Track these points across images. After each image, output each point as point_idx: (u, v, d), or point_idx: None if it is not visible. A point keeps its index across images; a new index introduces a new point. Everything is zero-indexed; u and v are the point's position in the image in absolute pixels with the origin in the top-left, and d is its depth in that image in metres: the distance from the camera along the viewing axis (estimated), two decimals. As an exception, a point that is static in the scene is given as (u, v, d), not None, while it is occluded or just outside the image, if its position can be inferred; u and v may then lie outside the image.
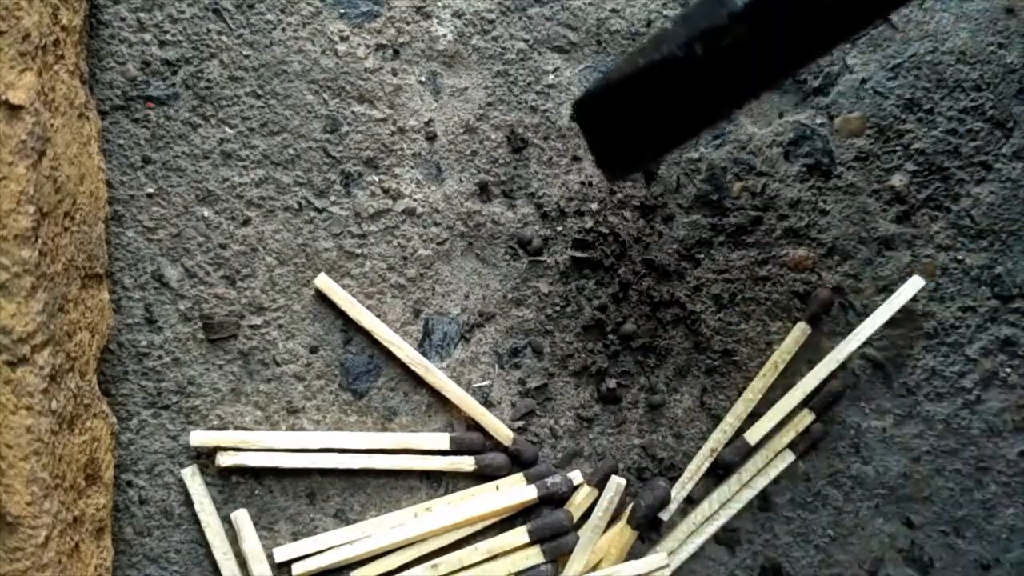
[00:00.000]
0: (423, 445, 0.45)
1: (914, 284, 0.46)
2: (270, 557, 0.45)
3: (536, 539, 0.45)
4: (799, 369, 0.47)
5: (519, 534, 0.45)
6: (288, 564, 0.45)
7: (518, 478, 0.46)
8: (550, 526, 0.44)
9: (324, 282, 0.45)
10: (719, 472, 0.47)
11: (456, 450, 0.46)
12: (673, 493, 0.46)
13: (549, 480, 0.45)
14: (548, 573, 0.45)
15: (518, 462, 0.46)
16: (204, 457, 0.46)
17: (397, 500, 0.46)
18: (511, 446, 0.46)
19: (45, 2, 0.38)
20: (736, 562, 0.47)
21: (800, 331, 0.46)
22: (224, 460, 0.44)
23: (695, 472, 0.46)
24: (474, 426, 0.46)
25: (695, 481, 0.46)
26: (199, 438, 0.45)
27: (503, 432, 0.46)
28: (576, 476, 0.46)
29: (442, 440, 0.45)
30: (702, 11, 0.31)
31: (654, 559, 0.45)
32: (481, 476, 0.46)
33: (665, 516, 0.46)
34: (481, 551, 0.45)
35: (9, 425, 0.37)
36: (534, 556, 0.45)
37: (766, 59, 0.31)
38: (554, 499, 0.45)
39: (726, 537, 0.47)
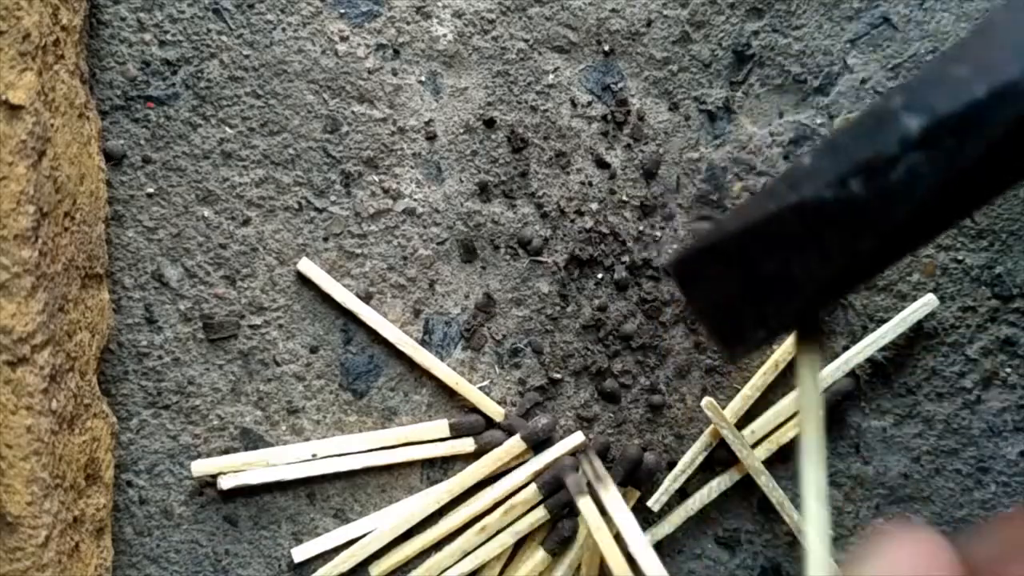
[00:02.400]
0: (423, 435, 0.45)
1: (927, 304, 0.46)
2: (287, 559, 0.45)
3: (543, 488, 0.45)
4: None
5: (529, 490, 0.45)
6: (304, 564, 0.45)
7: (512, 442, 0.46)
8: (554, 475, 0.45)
9: (306, 266, 0.45)
10: (715, 468, 0.47)
11: (456, 435, 0.46)
12: (665, 485, 0.46)
13: (531, 423, 0.45)
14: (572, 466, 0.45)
15: (511, 435, 0.46)
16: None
17: (398, 499, 0.46)
18: (503, 421, 0.46)
19: (45, 2, 0.38)
20: (736, 562, 0.47)
21: None
22: (225, 483, 0.44)
23: (688, 465, 0.46)
24: (472, 409, 0.46)
25: (687, 475, 0.46)
26: (201, 468, 0.44)
27: (494, 409, 0.46)
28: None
29: (441, 428, 0.45)
30: (858, 137, 0.24)
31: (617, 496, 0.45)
32: (483, 455, 0.46)
33: (656, 506, 0.46)
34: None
35: (9, 425, 0.37)
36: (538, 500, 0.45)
37: (942, 200, 0.23)
38: (540, 441, 0.45)
39: (726, 537, 0.47)
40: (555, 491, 0.45)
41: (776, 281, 0.26)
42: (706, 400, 0.45)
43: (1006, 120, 0.22)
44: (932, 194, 0.23)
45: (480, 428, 0.46)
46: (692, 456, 0.46)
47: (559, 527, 0.45)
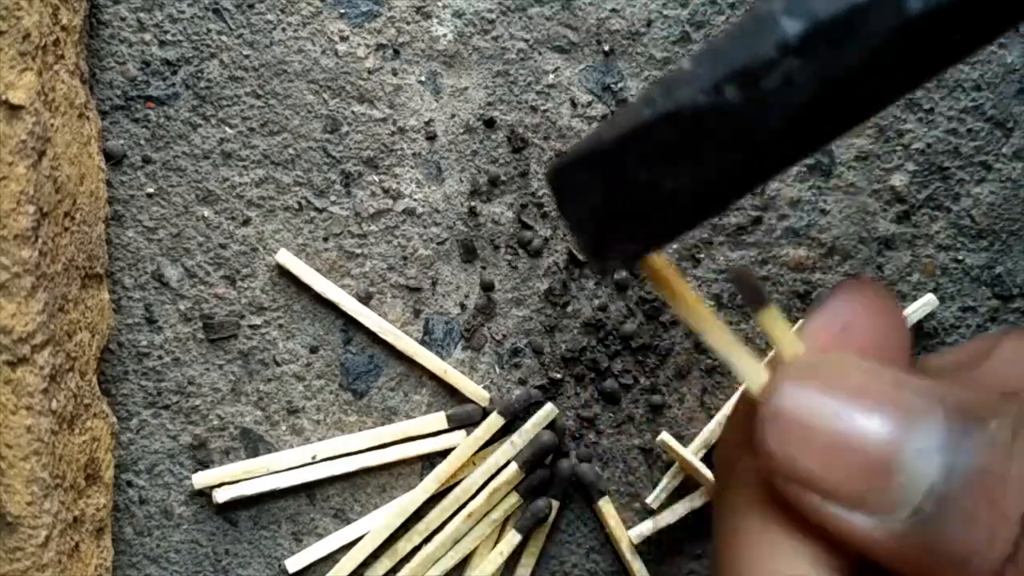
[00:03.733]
0: (421, 430, 0.45)
1: (928, 304, 0.46)
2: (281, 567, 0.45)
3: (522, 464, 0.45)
4: (799, 369, 0.47)
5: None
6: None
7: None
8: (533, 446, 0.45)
9: (285, 257, 0.45)
10: (712, 465, 0.47)
11: (454, 427, 0.46)
12: (664, 482, 0.46)
13: (506, 397, 0.45)
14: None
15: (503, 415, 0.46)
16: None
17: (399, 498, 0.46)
18: (488, 406, 0.46)
19: (45, 2, 0.38)
20: (736, 562, 0.47)
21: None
22: (221, 495, 0.44)
23: (692, 459, 0.46)
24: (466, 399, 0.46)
25: (684, 473, 0.46)
26: (202, 479, 0.44)
27: (479, 394, 0.46)
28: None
29: (439, 420, 0.45)
30: (735, 43, 0.22)
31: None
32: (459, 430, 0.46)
33: (655, 503, 0.46)
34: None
35: (9, 425, 0.37)
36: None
37: (824, 106, 0.22)
38: (515, 414, 0.45)
39: (726, 537, 0.47)
40: (535, 468, 0.45)
41: (650, 193, 0.24)
42: (659, 439, 0.45)
43: (889, 27, 0.21)
44: (809, 103, 0.22)
45: (478, 417, 0.46)
46: (691, 454, 0.46)
47: (532, 507, 0.45)
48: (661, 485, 0.46)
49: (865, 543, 0.24)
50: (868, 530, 0.24)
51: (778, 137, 0.23)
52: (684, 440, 0.47)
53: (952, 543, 0.23)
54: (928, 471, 0.23)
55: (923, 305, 0.46)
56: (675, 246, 0.47)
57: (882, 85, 0.23)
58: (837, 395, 0.24)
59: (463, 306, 0.47)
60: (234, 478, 0.45)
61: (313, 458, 0.45)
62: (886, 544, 0.23)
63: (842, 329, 0.27)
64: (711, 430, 0.46)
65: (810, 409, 0.24)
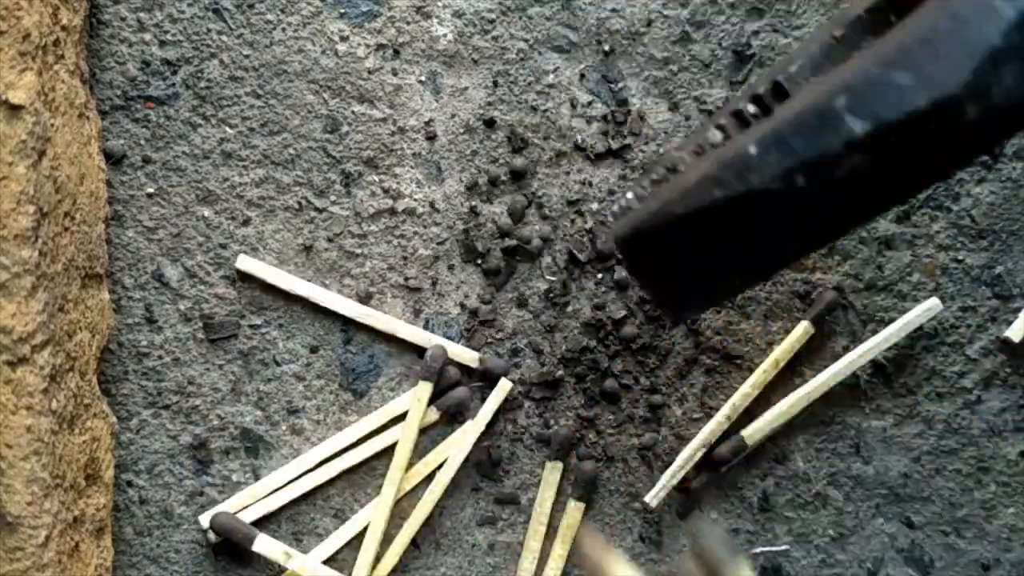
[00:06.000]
0: (402, 407, 0.46)
1: (931, 308, 0.46)
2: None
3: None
4: (800, 370, 0.47)
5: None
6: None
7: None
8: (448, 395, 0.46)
9: (245, 262, 0.45)
10: (714, 468, 0.47)
11: (447, 417, 0.46)
12: (663, 481, 0.46)
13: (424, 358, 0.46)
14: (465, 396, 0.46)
15: (489, 379, 0.46)
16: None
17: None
18: (479, 367, 0.46)
19: (45, 2, 0.38)
20: (736, 562, 0.47)
21: (803, 330, 0.46)
22: (206, 521, 0.45)
23: (686, 461, 0.46)
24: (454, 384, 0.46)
25: (685, 471, 0.46)
26: (212, 521, 0.44)
27: (468, 356, 0.46)
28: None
29: (415, 393, 0.46)
30: (803, 132, 0.25)
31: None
32: (450, 418, 0.46)
33: (654, 502, 0.46)
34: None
35: (9, 425, 0.37)
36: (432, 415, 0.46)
37: (881, 192, 0.26)
38: (435, 372, 0.45)
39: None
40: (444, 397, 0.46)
41: (723, 258, 0.28)
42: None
43: (943, 130, 0.24)
44: (871, 190, 0.26)
45: (467, 400, 0.46)
46: (690, 452, 0.46)
47: (579, 472, 0.46)
48: (660, 483, 0.46)
49: None
50: None
51: (841, 218, 0.26)
52: (683, 440, 0.47)
53: None
54: None
55: (927, 309, 0.46)
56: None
57: (932, 174, 0.26)
58: None
59: (463, 306, 0.47)
60: (244, 504, 0.45)
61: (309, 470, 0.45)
62: None
63: None
64: (711, 430, 0.46)
65: None
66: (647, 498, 0.46)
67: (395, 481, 0.45)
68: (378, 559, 0.45)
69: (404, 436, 0.45)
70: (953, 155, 0.26)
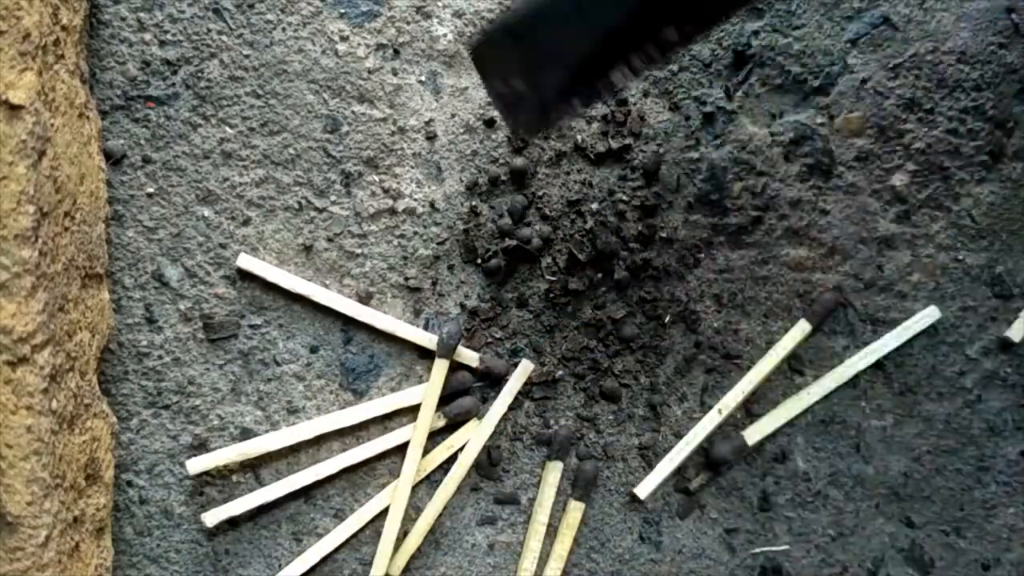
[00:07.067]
0: (401, 404, 0.46)
1: (930, 315, 0.46)
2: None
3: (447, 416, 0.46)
4: (800, 370, 0.47)
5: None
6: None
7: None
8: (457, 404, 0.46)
9: (246, 261, 0.45)
10: (714, 467, 0.47)
11: (451, 423, 0.46)
12: (655, 474, 0.46)
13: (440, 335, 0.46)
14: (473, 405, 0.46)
15: (489, 379, 0.46)
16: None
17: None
18: (480, 367, 0.46)
19: (45, 2, 0.38)
20: (736, 562, 0.47)
21: (800, 330, 0.46)
22: (210, 520, 0.44)
23: (681, 451, 0.46)
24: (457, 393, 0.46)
25: (676, 464, 0.46)
26: (197, 465, 0.44)
27: (468, 356, 0.46)
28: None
29: (417, 394, 0.46)
30: None
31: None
32: (453, 425, 0.46)
33: (643, 495, 0.46)
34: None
35: (9, 425, 0.37)
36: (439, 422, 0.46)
37: None
38: (450, 347, 0.45)
39: (726, 537, 0.47)
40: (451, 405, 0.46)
41: (552, 55, 0.31)
42: None
43: None
44: None
45: (474, 409, 0.46)
46: (683, 446, 0.46)
47: (580, 472, 0.46)
48: (652, 476, 0.46)
49: None
50: None
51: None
52: (683, 440, 0.47)
53: None
54: None
55: (925, 316, 0.46)
56: (675, 245, 0.47)
57: None
58: None
59: (463, 306, 0.47)
60: (229, 460, 0.45)
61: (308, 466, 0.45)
62: None
63: None
64: (703, 427, 0.46)
65: None
66: (637, 490, 0.46)
67: (415, 460, 0.45)
68: (395, 550, 0.45)
69: (422, 416, 0.45)
70: None
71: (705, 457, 0.46)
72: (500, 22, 0.33)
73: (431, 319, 0.47)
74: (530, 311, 0.47)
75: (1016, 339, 0.47)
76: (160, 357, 0.46)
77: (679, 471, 0.47)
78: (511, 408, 0.46)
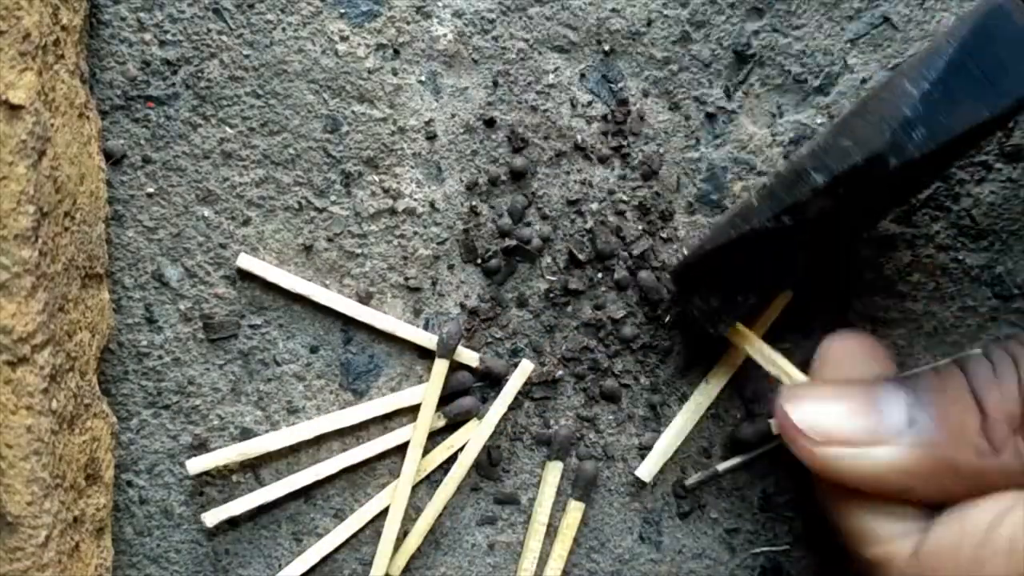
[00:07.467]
0: (401, 403, 0.46)
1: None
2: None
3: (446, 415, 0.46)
4: (800, 369, 0.47)
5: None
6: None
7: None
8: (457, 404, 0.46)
9: (246, 261, 0.45)
10: (740, 450, 0.47)
11: (452, 423, 0.46)
12: (654, 455, 0.46)
13: (440, 335, 0.46)
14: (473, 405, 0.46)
15: (489, 379, 0.46)
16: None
17: (397, 500, 0.46)
18: (480, 367, 0.46)
19: (45, 2, 0.38)
20: (736, 562, 0.47)
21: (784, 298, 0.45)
22: (210, 520, 0.44)
23: (676, 437, 0.46)
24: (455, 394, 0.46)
25: (675, 447, 0.46)
26: (197, 465, 0.44)
27: (468, 356, 0.46)
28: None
29: (416, 394, 0.46)
30: (784, 186, 0.38)
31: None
32: (453, 425, 0.46)
33: (647, 477, 0.46)
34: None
35: (9, 425, 0.37)
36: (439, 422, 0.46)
37: (843, 225, 0.39)
38: (450, 348, 0.45)
39: (726, 537, 0.47)
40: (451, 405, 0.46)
41: (740, 280, 0.41)
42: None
43: (877, 177, 0.36)
44: (834, 224, 0.38)
45: (475, 410, 0.46)
46: (679, 426, 0.46)
47: (580, 472, 0.46)
48: (650, 456, 0.46)
49: (883, 474, 0.36)
50: (883, 459, 0.36)
51: (817, 244, 0.40)
52: (685, 439, 0.47)
53: (940, 444, 0.35)
54: (899, 405, 0.37)
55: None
56: (675, 245, 0.47)
57: (877, 210, 0.41)
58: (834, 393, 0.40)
59: (463, 306, 0.47)
60: (228, 461, 0.45)
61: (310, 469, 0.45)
62: (899, 465, 0.36)
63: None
64: (710, 430, 0.46)
65: (821, 399, 0.40)
66: (639, 471, 0.46)
67: (415, 460, 0.45)
68: (395, 550, 0.45)
69: (422, 416, 0.45)
70: (886, 195, 0.39)
71: (730, 438, 0.46)
72: (697, 248, 0.42)
73: (431, 319, 0.47)
74: (530, 311, 0.47)
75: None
76: (160, 357, 0.46)
77: (679, 464, 0.47)
78: (511, 408, 0.46)
